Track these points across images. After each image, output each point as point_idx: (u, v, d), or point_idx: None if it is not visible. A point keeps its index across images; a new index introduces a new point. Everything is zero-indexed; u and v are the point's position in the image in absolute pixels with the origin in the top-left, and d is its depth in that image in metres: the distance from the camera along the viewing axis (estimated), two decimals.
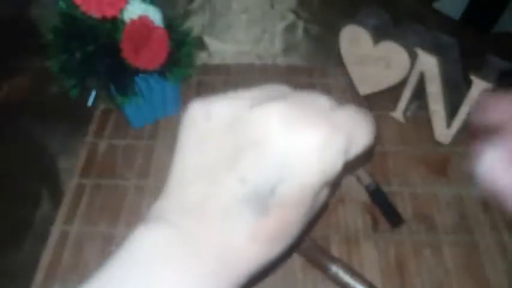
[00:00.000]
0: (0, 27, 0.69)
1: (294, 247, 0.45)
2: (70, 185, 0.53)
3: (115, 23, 0.47)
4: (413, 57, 0.53)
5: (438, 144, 0.57)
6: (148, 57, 0.49)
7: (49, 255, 0.47)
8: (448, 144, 0.56)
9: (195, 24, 0.75)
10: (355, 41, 0.57)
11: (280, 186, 0.17)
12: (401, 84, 0.57)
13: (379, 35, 0.56)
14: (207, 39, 0.73)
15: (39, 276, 0.45)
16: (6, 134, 0.59)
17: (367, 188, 0.51)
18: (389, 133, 0.58)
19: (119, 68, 0.49)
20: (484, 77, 0.48)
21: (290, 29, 0.75)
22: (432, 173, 0.54)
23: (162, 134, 0.59)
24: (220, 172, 0.17)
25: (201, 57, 0.70)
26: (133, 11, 0.47)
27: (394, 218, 0.49)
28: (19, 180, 0.55)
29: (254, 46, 0.72)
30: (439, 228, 0.49)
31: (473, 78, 0.49)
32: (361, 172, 0.52)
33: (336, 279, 0.44)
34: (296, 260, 0.46)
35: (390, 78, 0.57)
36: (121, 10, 0.46)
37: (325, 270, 0.45)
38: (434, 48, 0.52)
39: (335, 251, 0.47)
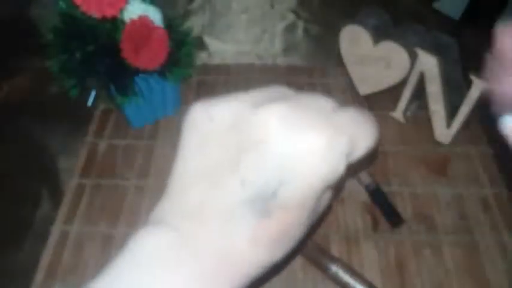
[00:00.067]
0: (0, 27, 0.69)
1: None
2: (70, 185, 0.53)
3: (115, 23, 0.47)
4: (413, 57, 0.53)
5: (438, 144, 0.57)
6: (148, 57, 0.49)
7: (49, 255, 0.47)
8: (448, 144, 0.57)
9: (195, 24, 0.75)
10: (355, 41, 0.57)
11: (282, 188, 0.17)
12: (401, 84, 0.57)
13: (379, 35, 0.56)
14: (207, 39, 0.73)
15: (39, 276, 0.45)
16: (6, 134, 0.59)
17: (367, 188, 0.51)
18: (390, 133, 0.58)
19: (119, 68, 0.49)
20: (484, 77, 0.48)
21: (290, 29, 0.75)
22: (432, 173, 0.54)
23: (162, 134, 0.59)
24: (222, 174, 0.17)
25: (201, 57, 0.70)
26: (133, 11, 0.47)
27: (394, 218, 0.49)
28: (19, 180, 0.55)
29: (254, 46, 0.72)
30: (439, 228, 0.49)
31: (473, 78, 0.49)
32: (361, 172, 0.52)
33: (335, 279, 0.44)
34: (296, 259, 0.46)
35: (390, 78, 0.57)
36: (121, 10, 0.46)
37: (325, 270, 0.45)
38: (434, 48, 0.52)
39: (335, 250, 0.47)
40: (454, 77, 0.54)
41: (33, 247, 0.48)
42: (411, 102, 0.58)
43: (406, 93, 0.57)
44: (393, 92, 0.58)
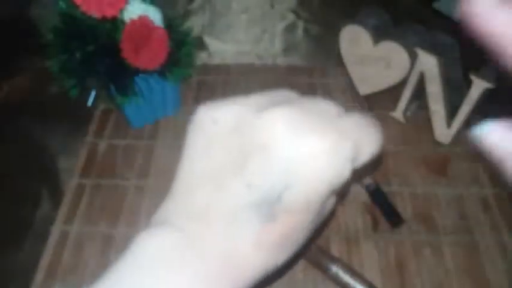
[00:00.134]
0: (0, 27, 0.69)
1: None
2: (70, 185, 0.53)
3: (115, 23, 0.47)
4: (413, 57, 0.53)
5: (438, 144, 0.57)
6: (148, 57, 0.49)
7: (49, 255, 0.47)
8: (448, 144, 0.56)
9: (195, 24, 0.75)
10: (355, 41, 0.57)
11: (287, 192, 0.16)
12: (401, 84, 0.57)
13: (379, 35, 0.56)
14: (207, 39, 0.73)
15: (39, 276, 0.45)
16: (6, 134, 0.59)
17: (367, 188, 0.51)
18: (390, 133, 0.58)
19: (119, 68, 0.49)
20: (484, 77, 0.48)
21: (290, 29, 0.75)
22: (432, 173, 0.54)
23: (162, 134, 0.59)
24: (227, 177, 0.17)
25: (201, 57, 0.70)
26: (133, 11, 0.47)
27: (394, 218, 0.49)
28: (19, 180, 0.55)
29: (254, 46, 0.72)
30: (439, 228, 0.49)
31: (473, 78, 0.49)
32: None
33: (336, 279, 0.44)
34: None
35: (390, 78, 0.57)
36: (121, 10, 0.46)
37: (325, 270, 0.45)
38: (434, 48, 0.52)
39: (335, 251, 0.47)
40: (454, 77, 0.54)
41: (33, 247, 0.48)
42: (411, 102, 0.58)
43: (406, 93, 0.57)
44: (393, 92, 0.58)
